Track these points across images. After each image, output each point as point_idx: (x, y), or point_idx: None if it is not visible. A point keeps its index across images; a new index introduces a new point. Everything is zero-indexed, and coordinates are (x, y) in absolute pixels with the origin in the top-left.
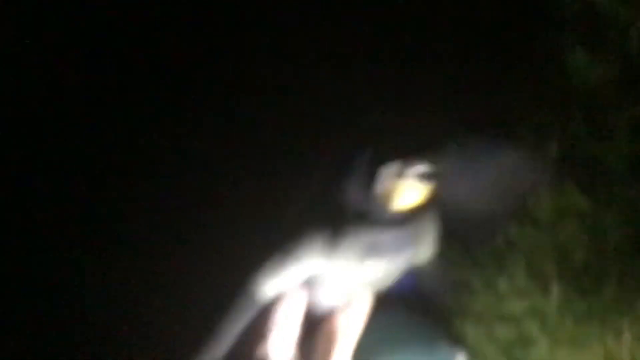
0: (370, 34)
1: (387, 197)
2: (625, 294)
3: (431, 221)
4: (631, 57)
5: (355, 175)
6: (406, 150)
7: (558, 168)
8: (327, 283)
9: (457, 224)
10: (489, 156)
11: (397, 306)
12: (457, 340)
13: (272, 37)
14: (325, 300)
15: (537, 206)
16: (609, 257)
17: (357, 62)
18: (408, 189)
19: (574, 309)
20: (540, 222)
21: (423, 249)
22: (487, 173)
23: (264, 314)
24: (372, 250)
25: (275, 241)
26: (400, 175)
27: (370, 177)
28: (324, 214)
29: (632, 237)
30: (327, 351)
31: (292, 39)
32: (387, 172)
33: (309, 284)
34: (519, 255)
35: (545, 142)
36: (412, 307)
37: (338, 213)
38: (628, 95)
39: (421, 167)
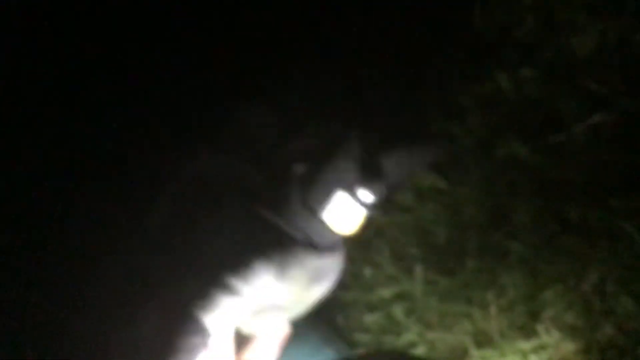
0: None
1: (332, 221)
2: (486, 267)
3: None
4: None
5: (297, 197)
6: (356, 173)
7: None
8: (258, 311)
9: None
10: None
11: None
12: (331, 334)
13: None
14: (245, 328)
15: (399, 192)
16: (467, 233)
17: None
18: (354, 215)
19: (439, 288)
20: (403, 207)
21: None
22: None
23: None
24: (316, 277)
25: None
26: (351, 200)
27: (319, 199)
28: (266, 238)
29: (487, 210)
30: None
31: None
32: (339, 196)
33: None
34: (384, 243)
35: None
36: None
37: (281, 238)
38: (475, 75)
39: (370, 195)
